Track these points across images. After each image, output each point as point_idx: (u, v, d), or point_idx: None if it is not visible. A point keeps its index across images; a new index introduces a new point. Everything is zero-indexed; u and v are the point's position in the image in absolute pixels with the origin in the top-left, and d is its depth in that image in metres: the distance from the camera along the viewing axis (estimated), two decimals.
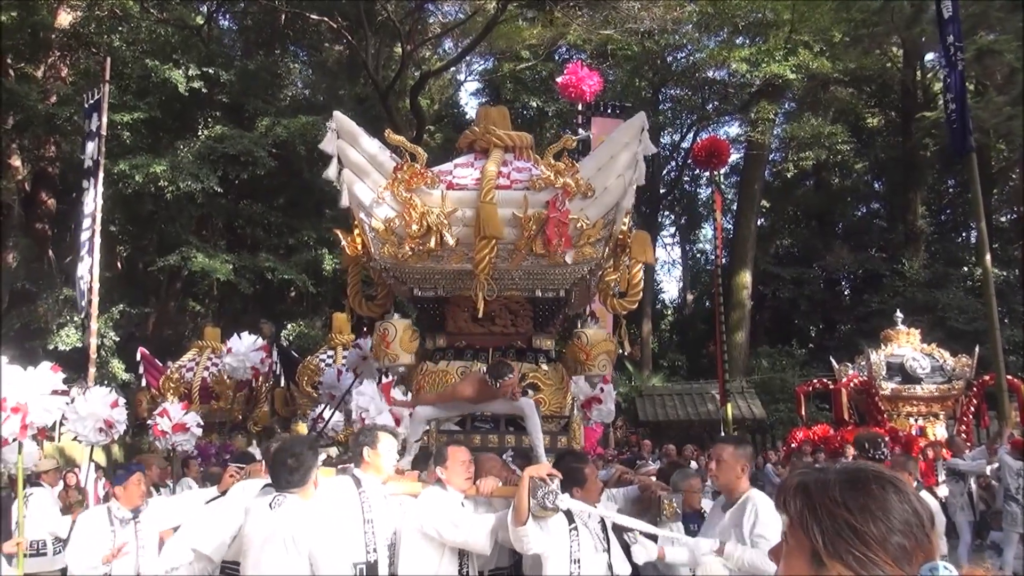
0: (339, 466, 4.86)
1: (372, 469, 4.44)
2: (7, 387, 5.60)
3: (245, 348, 10.78)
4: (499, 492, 4.54)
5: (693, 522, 5.51)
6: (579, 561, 4.17)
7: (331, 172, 5.80)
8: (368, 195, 5.69)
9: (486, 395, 5.31)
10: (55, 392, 5.94)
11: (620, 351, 6.43)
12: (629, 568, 4.61)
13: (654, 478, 6.21)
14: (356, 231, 5.96)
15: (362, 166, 5.79)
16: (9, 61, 21.63)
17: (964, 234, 32.29)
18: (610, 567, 4.42)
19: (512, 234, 5.65)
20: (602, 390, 6.15)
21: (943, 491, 11.35)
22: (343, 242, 6.11)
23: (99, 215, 14.55)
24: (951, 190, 32.30)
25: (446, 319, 6.16)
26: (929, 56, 27.22)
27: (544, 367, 6.06)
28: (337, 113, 5.91)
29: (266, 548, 3.65)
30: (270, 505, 3.74)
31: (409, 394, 6.01)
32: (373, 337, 6.12)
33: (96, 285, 14.15)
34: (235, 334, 11.28)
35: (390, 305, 6.32)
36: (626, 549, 4.66)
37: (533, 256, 5.68)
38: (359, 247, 5.95)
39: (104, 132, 15.07)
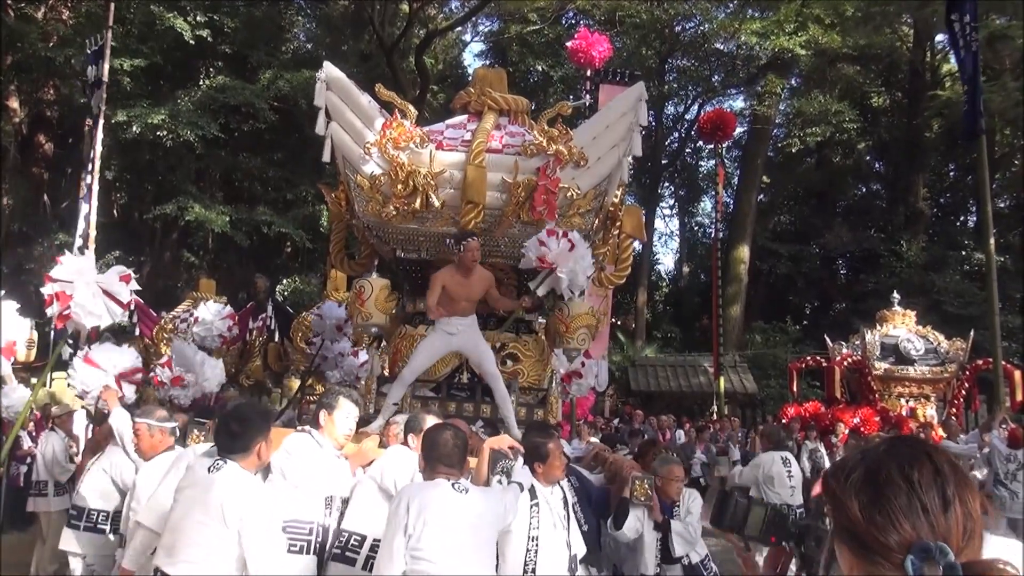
0: (298, 427, 4.76)
1: (327, 433, 4.32)
2: (58, 268, 5.09)
3: (212, 315, 10.47)
4: None
5: (664, 511, 5.02)
6: (537, 539, 4.07)
7: (320, 125, 5.68)
8: (355, 150, 5.57)
9: (463, 273, 5.33)
10: (114, 298, 5.20)
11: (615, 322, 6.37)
12: (585, 548, 4.53)
13: (630, 457, 6.11)
14: (341, 187, 5.85)
15: (350, 120, 5.66)
16: (9, 1, 21.31)
17: (964, 218, 32.11)
18: (568, 545, 4.29)
19: (500, 199, 5.55)
20: (583, 364, 6.06)
21: None
22: (327, 198, 6.00)
23: (98, 162, 14.45)
24: (952, 173, 32.10)
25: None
26: (940, 37, 26.91)
27: (524, 337, 5.99)
28: (327, 64, 5.75)
29: (193, 510, 3.56)
30: (209, 469, 3.62)
31: (386, 357, 5.94)
32: (350, 295, 6.01)
33: (93, 232, 14.06)
34: (230, 287, 10.98)
35: (372, 265, 6.20)
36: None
37: (520, 223, 5.59)
38: (343, 204, 5.85)
39: (106, 79, 14.89)
